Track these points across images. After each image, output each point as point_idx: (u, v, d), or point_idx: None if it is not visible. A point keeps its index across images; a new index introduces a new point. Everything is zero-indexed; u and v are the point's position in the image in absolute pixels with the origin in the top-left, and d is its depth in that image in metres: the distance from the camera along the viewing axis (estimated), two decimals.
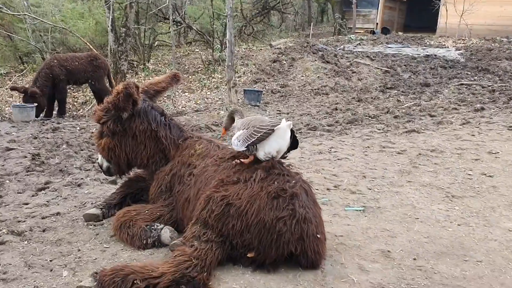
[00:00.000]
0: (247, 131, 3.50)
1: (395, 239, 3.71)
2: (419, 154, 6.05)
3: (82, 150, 7.35)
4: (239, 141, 3.53)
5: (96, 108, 4.22)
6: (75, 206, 4.78)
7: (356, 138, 7.16)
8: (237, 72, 14.30)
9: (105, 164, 4.33)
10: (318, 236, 3.24)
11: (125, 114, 4.03)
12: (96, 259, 3.59)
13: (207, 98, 14.01)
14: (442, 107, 9.92)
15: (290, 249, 3.17)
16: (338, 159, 5.98)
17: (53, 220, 4.40)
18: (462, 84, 12.74)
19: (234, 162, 3.68)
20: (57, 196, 5.08)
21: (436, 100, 10.94)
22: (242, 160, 3.64)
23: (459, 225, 3.99)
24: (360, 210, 4.34)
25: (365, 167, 5.64)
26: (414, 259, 3.39)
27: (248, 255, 3.25)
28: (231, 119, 3.98)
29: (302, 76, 15.47)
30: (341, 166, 5.66)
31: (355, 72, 15.48)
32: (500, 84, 11.96)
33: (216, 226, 3.26)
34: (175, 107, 12.05)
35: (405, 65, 15.98)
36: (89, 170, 6.25)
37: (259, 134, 3.39)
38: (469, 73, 14.27)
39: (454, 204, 4.46)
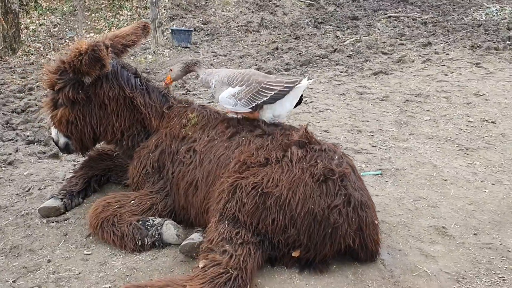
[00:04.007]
0: (248, 88, 2.96)
1: (439, 210, 3.31)
2: (407, 100, 5.64)
3: None
4: (239, 100, 3.00)
5: (46, 69, 3.24)
6: (16, 194, 3.85)
7: (325, 84, 6.61)
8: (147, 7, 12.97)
9: (62, 140, 3.46)
10: (376, 222, 2.72)
11: (88, 79, 3.14)
12: (79, 273, 2.81)
13: None
14: (386, 43, 9.65)
15: (347, 243, 2.61)
16: (319, 111, 5.41)
17: None
18: (390, 16, 12.71)
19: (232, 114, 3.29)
20: None
21: (375, 36, 10.68)
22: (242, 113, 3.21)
23: (493, 184, 3.68)
24: (378, 174, 3.87)
25: (354, 118, 5.14)
26: (475, 234, 3.02)
27: (293, 254, 2.66)
28: (186, 72, 3.41)
29: (223, 11, 14.53)
30: (327, 120, 5.11)
31: (278, 6, 14.86)
32: (429, 16, 12.00)
33: (250, 223, 2.62)
34: None
35: None
36: (13, 140, 5.14)
37: (273, 93, 2.92)
38: (389, 4, 14.25)
39: (472, 158, 4.14)
